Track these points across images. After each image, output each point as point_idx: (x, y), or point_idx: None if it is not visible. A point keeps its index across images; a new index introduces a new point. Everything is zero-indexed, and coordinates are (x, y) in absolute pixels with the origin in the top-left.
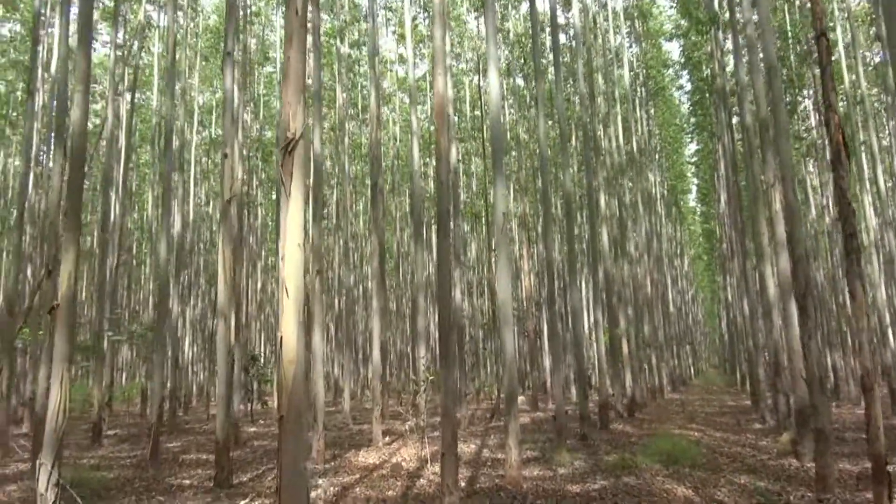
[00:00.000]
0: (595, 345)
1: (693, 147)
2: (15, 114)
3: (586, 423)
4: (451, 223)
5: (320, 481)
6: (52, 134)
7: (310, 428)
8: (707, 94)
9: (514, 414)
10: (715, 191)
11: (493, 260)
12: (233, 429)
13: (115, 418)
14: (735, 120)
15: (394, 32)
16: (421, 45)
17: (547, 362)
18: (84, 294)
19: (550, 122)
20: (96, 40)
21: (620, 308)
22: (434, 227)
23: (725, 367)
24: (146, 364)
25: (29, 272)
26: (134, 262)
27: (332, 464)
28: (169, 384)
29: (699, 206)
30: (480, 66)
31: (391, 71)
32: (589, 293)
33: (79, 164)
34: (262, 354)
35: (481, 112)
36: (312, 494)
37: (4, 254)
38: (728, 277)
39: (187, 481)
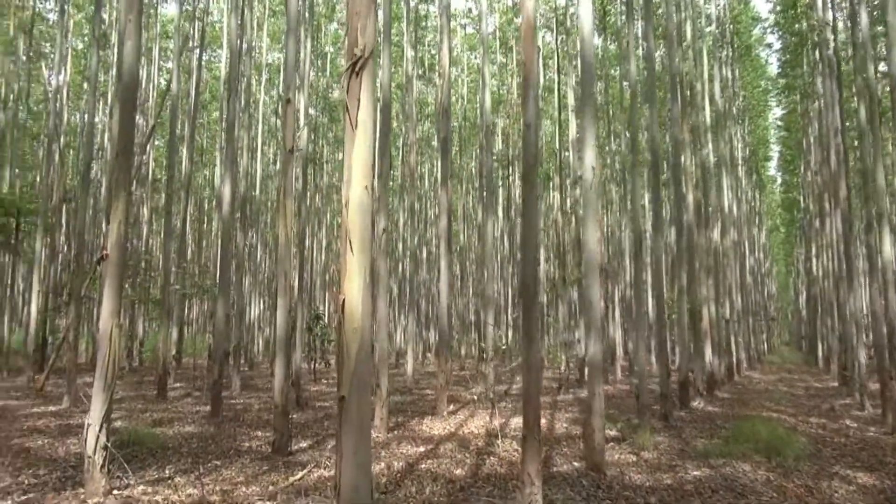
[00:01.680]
0: (673, 316)
1: (777, 112)
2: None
3: (667, 401)
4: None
5: (382, 453)
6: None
7: (373, 392)
8: (801, 53)
9: (599, 390)
10: (804, 156)
11: (563, 223)
12: (293, 390)
13: (184, 372)
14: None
15: None
16: None
17: (617, 333)
18: (158, 249)
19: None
20: None
21: (701, 276)
22: (500, 191)
23: (801, 344)
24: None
25: (104, 226)
26: (205, 219)
27: (396, 433)
28: (234, 340)
29: (780, 174)
30: (556, 21)
31: (461, 26)
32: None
33: (129, 99)
34: (326, 314)
35: (557, 71)
36: (377, 468)
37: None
38: (813, 248)
39: (246, 444)
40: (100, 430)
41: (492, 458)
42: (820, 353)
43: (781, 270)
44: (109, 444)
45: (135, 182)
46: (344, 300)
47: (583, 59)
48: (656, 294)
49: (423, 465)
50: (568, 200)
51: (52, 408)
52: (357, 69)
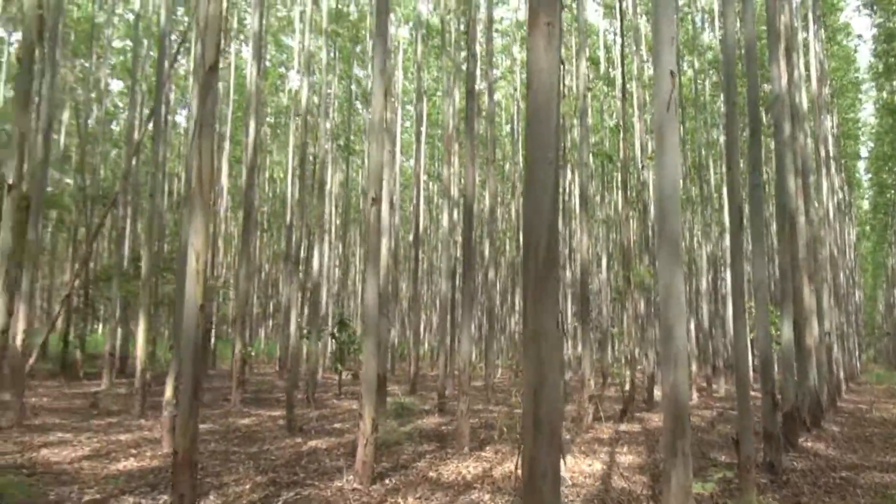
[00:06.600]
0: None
1: (870, 108)
2: None
3: (774, 442)
4: None
5: None
6: None
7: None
8: None
9: (684, 451)
10: None
11: (625, 215)
12: (290, 414)
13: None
14: None
15: None
16: None
17: (689, 340)
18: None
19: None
20: None
21: (804, 284)
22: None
23: None
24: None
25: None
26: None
27: (387, 482)
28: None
29: (871, 175)
30: None
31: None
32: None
33: None
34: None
35: (621, 34)
36: None
37: None
38: None
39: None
40: None
41: None
42: None
43: (868, 281)
44: None
45: None
46: None
47: None
48: (757, 296)
49: None
50: (632, 191)
51: None
52: None
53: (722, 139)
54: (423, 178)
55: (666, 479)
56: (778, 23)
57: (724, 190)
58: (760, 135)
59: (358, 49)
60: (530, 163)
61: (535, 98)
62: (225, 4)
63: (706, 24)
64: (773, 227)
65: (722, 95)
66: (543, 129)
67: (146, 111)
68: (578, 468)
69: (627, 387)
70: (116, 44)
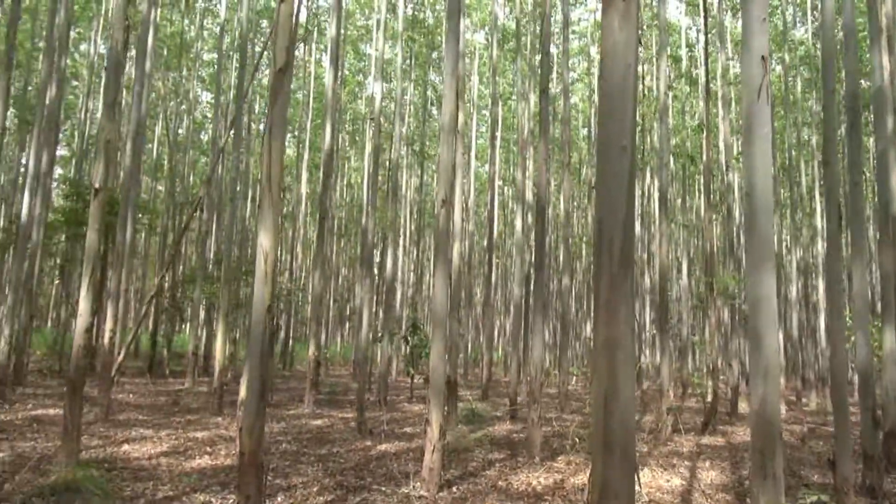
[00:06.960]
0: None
1: None
2: None
3: (874, 465)
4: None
5: None
6: None
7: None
8: None
9: (775, 472)
10: None
11: (707, 221)
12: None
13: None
14: None
15: None
16: None
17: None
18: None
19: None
20: None
21: None
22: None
23: None
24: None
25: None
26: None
27: (455, 490)
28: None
29: None
30: None
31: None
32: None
33: None
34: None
35: (706, 41)
36: None
37: None
38: None
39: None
40: None
41: None
42: None
43: None
44: None
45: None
46: None
47: None
48: (860, 306)
49: None
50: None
51: None
52: None
53: (814, 139)
54: (498, 182)
55: (754, 501)
56: (880, 11)
57: (816, 192)
58: (860, 130)
59: (434, 55)
60: (602, 152)
61: (608, 80)
62: (305, 14)
63: (797, 19)
64: (871, 231)
65: (814, 92)
66: (617, 115)
67: (230, 120)
68: (655, 483)
69: (710, 398)
70: (206, 57)
